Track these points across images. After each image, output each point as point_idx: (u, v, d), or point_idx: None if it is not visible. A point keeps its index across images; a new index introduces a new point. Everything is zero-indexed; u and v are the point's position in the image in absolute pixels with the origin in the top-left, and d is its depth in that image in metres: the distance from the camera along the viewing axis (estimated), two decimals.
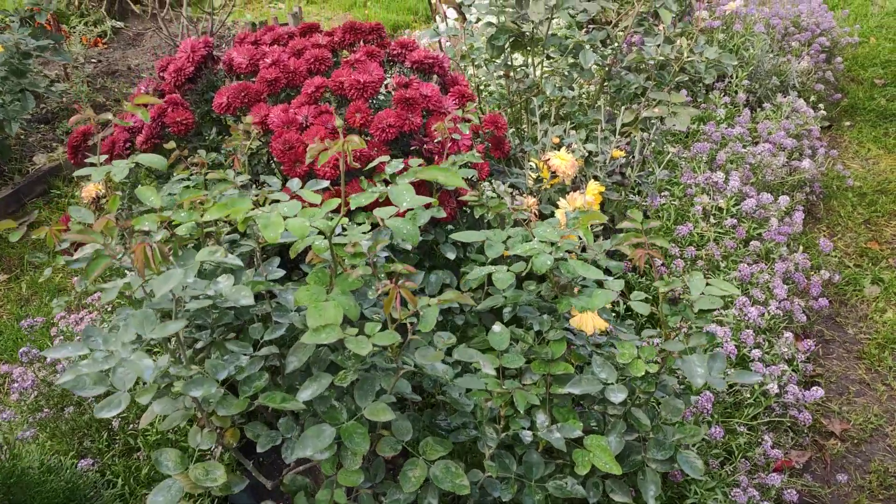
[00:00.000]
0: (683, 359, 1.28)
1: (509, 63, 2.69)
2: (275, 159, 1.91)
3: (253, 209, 1.20)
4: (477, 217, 1.78)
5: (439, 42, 2.81)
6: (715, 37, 3.41)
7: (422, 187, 1.87)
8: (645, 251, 1.26)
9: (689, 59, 2.48)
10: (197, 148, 2.08)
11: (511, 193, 1.93)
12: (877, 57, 4.53)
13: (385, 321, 1.28)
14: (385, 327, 1.25)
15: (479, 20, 2.79)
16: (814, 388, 2.01)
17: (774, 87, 3.53)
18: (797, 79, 3.60)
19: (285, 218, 1.20)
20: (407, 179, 1.19)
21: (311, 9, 5.58)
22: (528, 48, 2.74)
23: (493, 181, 2.09)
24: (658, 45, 2.58)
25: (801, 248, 2.62)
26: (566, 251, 1.46)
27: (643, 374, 1.32)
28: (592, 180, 2.08)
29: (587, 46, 2.44)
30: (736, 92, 3.31)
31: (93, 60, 4.53)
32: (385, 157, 1.80)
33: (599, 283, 1.44)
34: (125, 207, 1.86)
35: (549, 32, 2.68)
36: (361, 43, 2.21)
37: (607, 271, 1.55)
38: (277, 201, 1.36)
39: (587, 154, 2.14)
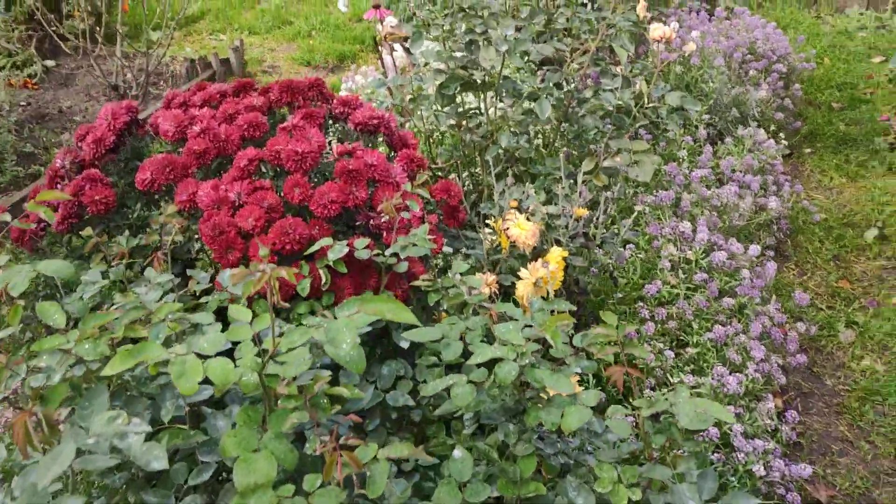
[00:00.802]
0: (672, 488, 1.13)
1: (461, 110, 2.53)
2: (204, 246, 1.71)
3: (168, 349, 1.01)
4: (431, 303, 1.61)
5: (389, 89, 2.64)
6: (672, 69, 3.31)
7: (369, 269, 1.69)
8: (622, 369, 1.10)
9: (651, 105, 2.35)
10: (120, 227, 1.88)
11: (468, 263, 1.77)
12: (832, 79, 4.49)
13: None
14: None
15: (426, 63, 2.63)
16: (801, 464, 1.88)
17: (735, 119, 3.43)
18: (756, 108, 3.52)
19: (206, 357, 1.02)
20: (347, 311, 1.02)
21: (253, 40, 5.37)
22: (480, 92, 2.59)
23: (449, 257, 1.93)
24: (616, 89, 2.45)
25: (773, 296, 2.50)
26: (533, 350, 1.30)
27: (626, 502, 1.16)
28: (555, 246, 1.92)
29: (544, 96, 2.30)
30: (696, 127, 3.21)
31: (21, 104, 4.25)
32: (327, 240, 1.62)
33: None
34: (28, 319, 1.65)
35: (502, 77, 2.53)
36: (301, 100, 2.03)
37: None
38: (199, 327, 1.18)
39: (548, 216, 1.99)
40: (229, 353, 1.11)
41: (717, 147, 3.26)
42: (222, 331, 1.23)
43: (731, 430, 1.87)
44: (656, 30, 2.40)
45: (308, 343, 1.01)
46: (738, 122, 3.46)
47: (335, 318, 1.01)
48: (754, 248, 2.39)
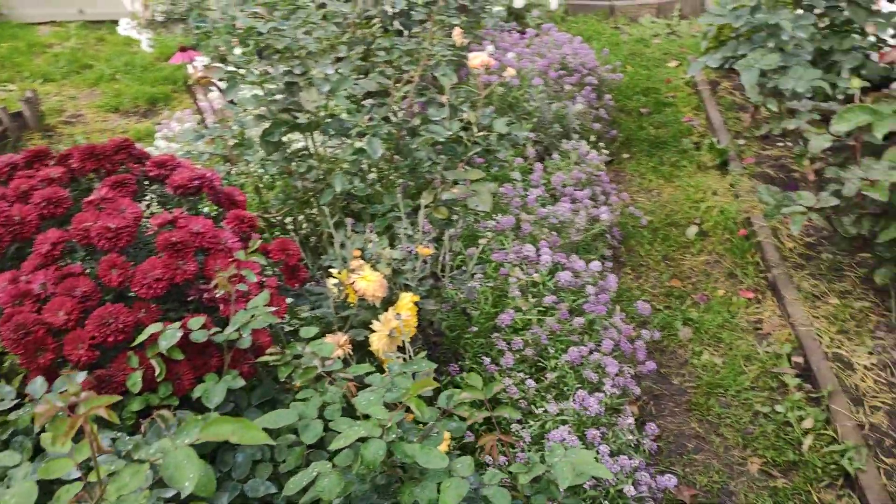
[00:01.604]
0: None
1: (288, 155, 2.41)
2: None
3: None
4: (282, 378, 1.49)
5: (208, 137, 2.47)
6: (494, 91, 3.36)
7: (209, 348, 1.54)
8: (494, 438, 1.05)
9: (480, 133, 2.35)
10: None
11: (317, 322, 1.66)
12: (637, 86, 4.77)
13: None
14: None
15: (245, 109, 2.48)
16: (667, 476, 1.92)
17: (558, 134, 3.55)
18: (576, 122, 3.65)
19: None
20: (188, 438, 0.88)
21: (49, 88, 4.91)
22: (307, 133, 2.49)
23: (295, 320, 1.81)
24: (444, 119, 2.43)
25: (617, 307, 2.58)
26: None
27: None
28: (404, 292, 1.86)
29: (372, 133, 2.23)
30: (524, 146, 3.27)
31: None
32: (157, 326, 1.45)
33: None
34: None
35: (328, 116, 2.44)
36: (108, 165, 1.83)
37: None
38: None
39: (394, 261, 1.92)
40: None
41: (546, 163, 3.34)
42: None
43: (599, 452, 1.88)
44: (476, 58, 2.41)
45: (141, 487, 0.87)
46: (562, 136, 3.58)
47: (174, 445, 0.87)
48: (595, 265, 2.45)
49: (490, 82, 3.10)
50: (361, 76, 3.14)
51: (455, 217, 2.44)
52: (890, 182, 2.25)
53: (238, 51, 3.03)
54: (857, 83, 2.52)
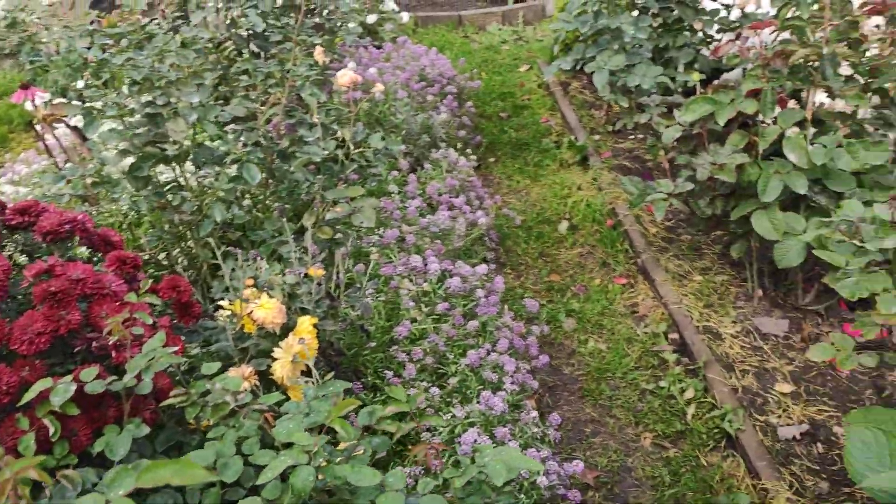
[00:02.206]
0: None
1: (160, 190, 2.32)
2: None
3: None
4: (191, 419, 1.44)
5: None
6: (361, 107, 3.37)
7: (106, 398, 1.46)
8: (427, 446, 1.07)
9: (356, 151, 2.36)
10: None
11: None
12: (493, 91, 4.94)
13: None
14: None
15: (107, 145, 2.37)
16: (574, 461, 2.01)
17: (427, 144, 3.61)
18: (442, 131, 3.73)
19: None
20: (122, 489, 0.84)
21: None
22: (177, 164, 2.41)
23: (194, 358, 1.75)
24: (318, 139, 2.43)
25: (505, 306, 2.67)
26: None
27: None
28: (302, 316, 1.84)
29: (246, 159, 2.19)
30: (397, 158, 3.31)
31: None
32: (46, 381, 1.37)
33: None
34: None
35: (197, 145, 2.37)
36: None
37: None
38: None
39: (289, 286, 1.89)
40: None
41: (419, 173, 3.40)
42: None
43: (489, 402, 1.94)
44: (344, 76, 2.42)
45: None
46: (430, 145, 3.65)
47: (106, 499, 0.83)
48: (482, 268, 2.53)
49: (357, 98, 3.12)
50: (221, 101, 3.07)
51: (340, 235, 2.44)
52: (735, 164, 2.47)
53: (81, 83, 2.89)
54: (696, 77, 2.74)
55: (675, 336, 2.75)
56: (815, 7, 2.48)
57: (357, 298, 2.05)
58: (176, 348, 1.49)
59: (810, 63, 2.38)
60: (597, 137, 4.18)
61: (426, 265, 2.49)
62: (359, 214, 2.30)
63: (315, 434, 1.23)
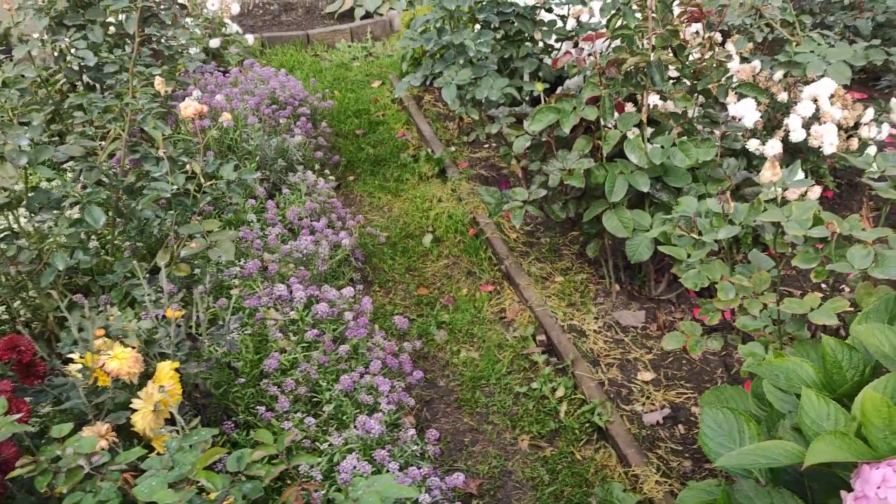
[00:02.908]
0: None
1: None
2: None
3: None
4: (42, 488, 1.34)
5: None
6: (210, 135, 3.27)
7: None
8: (297, 489, 1.05)
9: (210, 182, 2.29)
10: None
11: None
12: (348, 109, 4.93)
13: None
14: None
15: None
16: (455, 474, 2.04)
17: (283, 168, 3.55)
18: (298, 153, 3.68)
19: None
20: None
21: None
22: (8, 213, 2.24)
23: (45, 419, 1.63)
24: (165, 173, 2.33)
25: (376, 326, 2.66)
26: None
27: None
28: (162, 361, 1.76)
29: (89, 202, 2.07)
30: (252, 187, 3.23)
31: None
32: None
33: None
34: None
35: (31, 189, 2.22)
36: None
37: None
38: None
39: (145, 332, 1.80)
40: None
41: (278, 198, 3.33)
42: None
43: (390, 469, 1.94)
44: (188, 107, 2.34)
45: None
46: (287, 169, 3.59)
47: None
48: (348, 290, 2.51)
49: (206, 127, 3.03)
50: (56, 139, 2.89)
51: (198, 271, 2.35)
52: (583, 169, 2.59)
53: None
54: (540, 87, 2.86)
55: (542, 337, 2.85)
56: (641, 17, 2.65)
57: (221, 336, 1.98)
58: (20, 415, 1.39)
59: (641, 69, 2.53)
60: (453, 149, 4.26)
61: (291, 293, 2.44)
62: (216, 248, 2.22)
63: (181, 488, 1.18)
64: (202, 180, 2.29)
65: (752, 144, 3.04)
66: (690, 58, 2.78)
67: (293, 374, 2.22)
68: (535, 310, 2.95)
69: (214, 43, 4.61)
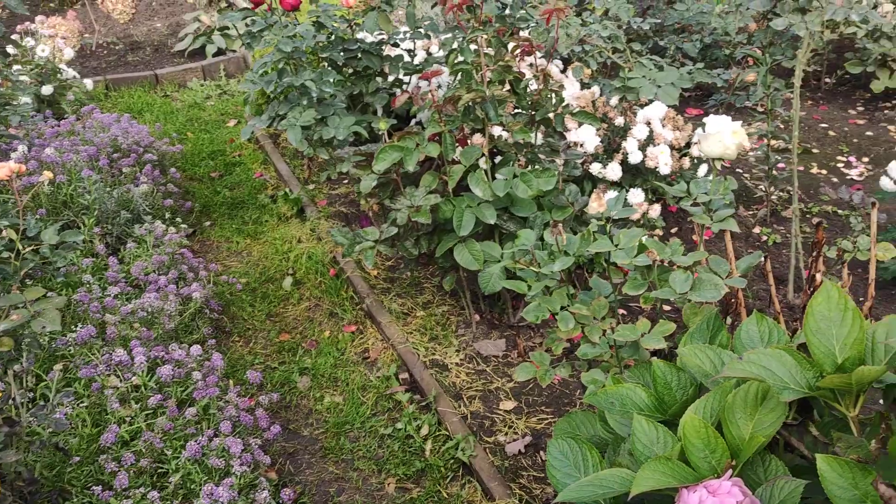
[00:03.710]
0: None
1: None
2: None
3: None
4: None
5: None
6: (42, 192, 3.07)
7: None
8: None
9: (31, 248, 2.14)
10: None
11: None
12: (202, 151, 4.77)
13: None
14: None
15: None
16: None
17: (128, 220, 3.38)
18: (145, 203, 3.52)
19: None
20: None
21: None
22: None
23: None
24: None
25: (230, 381, 2.56)
26: None
27: None
28: None
29: None
30: (92, 241, 3.06)
31: None
32: None
33: None
34: None
35: None
36: None
37: None
38: None
39: None
40: None
41: (122, 253, 3.17)
42: None
43: (213, 495, 1.85)
44: (1, 169, 2.18)
45: None
46: (133, 221, 3.42)
47: None
48: (196, 349, 2.40)
49: (33, 184, 2.85)
50: None
51: (27, 342, 2.18)
52: (430, 205, 2.60)
53: None
54: (384, 125, 2.86)
55: (405, 375, 2.83)
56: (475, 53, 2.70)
57: (45, 416, 1.84)
58: None
59: (478, 104, 2.58)
60: (312, 187, 4.20)
61: (133, 357, 2.31)
62: (41, 318, 2.07)
63: None
64: (20, 246, 2.14)
65: (595, 168, 3.16)
66: (531, 89, 2.87)
67: (136, 445, 2.09)
68: (397, 347, 2.93)
69: (47, 90, 4.35)
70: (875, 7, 5.18)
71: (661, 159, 3.11)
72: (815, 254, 2.26)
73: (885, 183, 3.09)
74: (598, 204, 1.86)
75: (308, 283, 3.46)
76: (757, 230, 3.64)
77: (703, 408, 1.54)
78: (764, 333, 1.66)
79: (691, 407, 1.54)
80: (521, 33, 3.26)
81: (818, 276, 2.25)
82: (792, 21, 3.02)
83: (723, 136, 1.70)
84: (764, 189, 3.80)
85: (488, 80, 2.62)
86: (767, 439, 1.39)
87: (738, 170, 4.24)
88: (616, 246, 1.93)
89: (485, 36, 2.69)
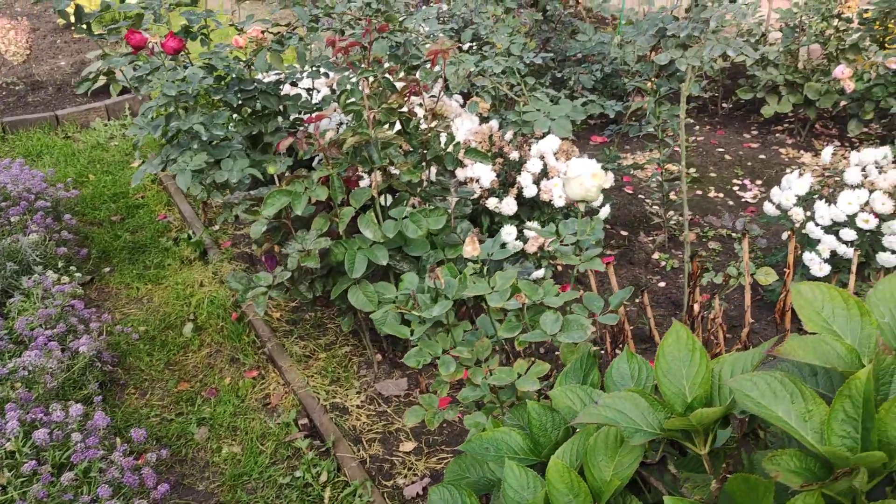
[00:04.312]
0: None
1: None
2: None
3: None
4: None
5: None
6: None
7: None
8: None
9: None
10: None
11: None
12: (104, 194, 4.64)
13: None
14: None
15: None
16: None
17: (15, 272, 3.25)
18: (35, 253, 3.40)
19: None
20: None
21: None
22: None
23: None
24: None
25: (118, 438, 2.48)
26: None
27: None
28: None
29: None
30: None
31: None
32: None
33: None
34: None
35: None
36: None
37: None
38: None
39: None
40: None
41: (7, 307, 3.04)
42: None
43: None
44: None
45: None
46: (22, 272, 3.29)
47: None
48: (77, 409, 2.31)
49: None
50: None
51: None
52: (319, 248, 2.58)
53: None
54: (272, 169, 2.83)
55: (305, 421, 2.79)
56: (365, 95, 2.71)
57: None
58: None
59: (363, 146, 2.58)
60: (216, 228, 4.13)
61: (6, 422, 2.21)
62: None
63: None
64: None
65: (492, 203, 3.20)
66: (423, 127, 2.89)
67: None
68: (297, 392, 2.88)
69: None
70: (764, 36, 5.45)
71: (555, 192, 3.17)
72: (690, 285, 2.33)
73: (767, 207, 3.22)
74: (471, 248, 1.88)
75: (210, 328, 3.39)
76: (656, 256, 3.74)
77: (570, 451, 1.56)
78: (634, 371, 1.70)
79: (558, 451, 1.56)
80: (418, 72, 3.29)
81: (696, 307, 2.33)
82: (674, 56, 3.14)
83: (584, 179, 1.75)
84: (661, 215, 3.92)
85: (377, 121, 2.63)
86: (624, 481, 1.41)
87: (639, 196, 4.37)
88: (493, 288, 1.95)
89: (371, 78, 2.70)
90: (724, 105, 5.66)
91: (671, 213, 4.07)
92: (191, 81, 2.78)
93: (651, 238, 3.91)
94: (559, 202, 3.20)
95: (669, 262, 3.66)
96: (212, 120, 2.95)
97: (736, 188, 4.50)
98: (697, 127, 5.39)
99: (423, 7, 4.79)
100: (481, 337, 2.11)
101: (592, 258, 1.84)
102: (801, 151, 4.89)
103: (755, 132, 5.25)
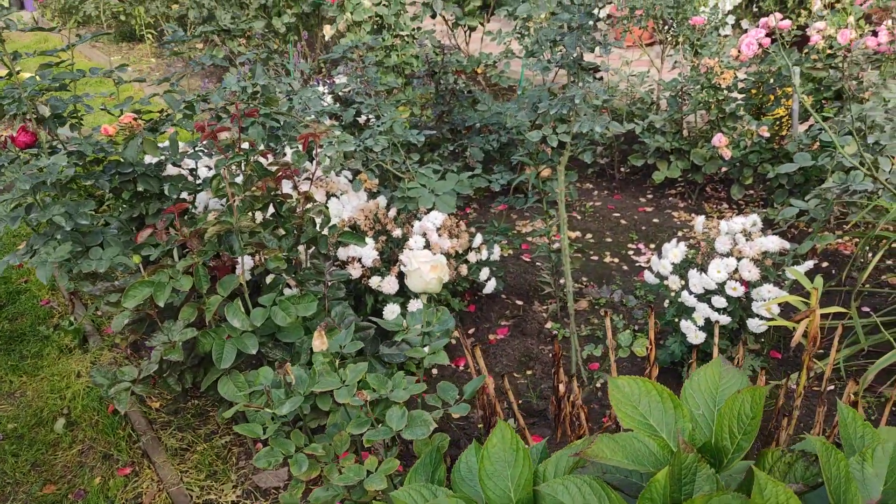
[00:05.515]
0: None
1: None
2: None
3: None
4: None
5: None
6: None
7: None
8: None
9: None
10: None
11: None
12: None
13: None
14: None
15: None
16: None
17: None
18: None
19: None
20: None
21: None
22: None
23: None
24: None
25: None
26: None
27: None
28: None
29: None
30: None
31: None
32: None
33: None
34: None
35: None
36: None
37: None
38: None
39: None
40: None
41: None
42: None
43: None
44: None
45: None
46: None
47: None
48: None
49: None
50: None
51: None
52: (185, 340, 2.50)
53: None
54: (137, 259, 2.75)
55: None
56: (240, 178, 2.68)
57: None
58: None
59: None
60: (101, 313, 3.97)
61: None
62: None
63: None
64: None
65: (374, 282, 3.17)
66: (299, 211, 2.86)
67: None
68: (169, 490, 2.74)
69: None
70: (654, 104, 5.68)
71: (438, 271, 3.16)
72: (555, 366, 2.34)
73: (647, 276, 3.29)
74: (319, 342, 1.84)
75: (83, 422, 3.21)
76: (549, 325, 3.76)
77: None
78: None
79: None
80: (290, 156, 3.28)
81: (561, 387, 2.33)
82: (546, 133, 3.21)
83: (422, 272, 1.74)
84: (551, 285, 3.96)
85: (240, 208, 2.59)
86: None
87: (537, 264, 4.41)
88: (343, 382, 1.90)
89: (241, 162, 2.67)
90: (622, 170, 5.83)
91: (563, 281, 4.11)
92: (50, 172, 2.69)
93: (545, 307, 3.94)
94: (443, 278, 3.19)
95: (561, 332, 3.68)
96: (77, 209, 2.85)
97: (631, 252, 4.60)
98: (596, 192, 5.53)
99: (318, 84, 4.83)
100: (339, 431, 2.06)
101: (437, 351, 1.82)
102: (693, 214, 5.05)
103: (650, 196, 5.41)
